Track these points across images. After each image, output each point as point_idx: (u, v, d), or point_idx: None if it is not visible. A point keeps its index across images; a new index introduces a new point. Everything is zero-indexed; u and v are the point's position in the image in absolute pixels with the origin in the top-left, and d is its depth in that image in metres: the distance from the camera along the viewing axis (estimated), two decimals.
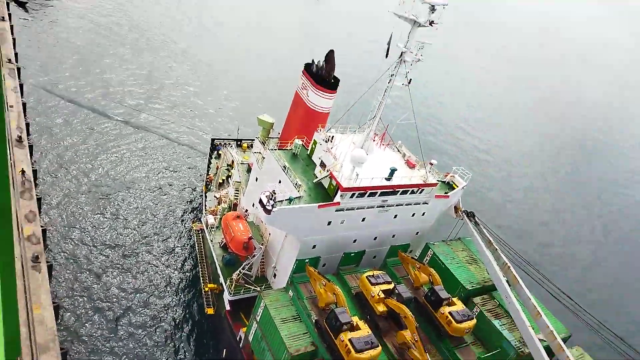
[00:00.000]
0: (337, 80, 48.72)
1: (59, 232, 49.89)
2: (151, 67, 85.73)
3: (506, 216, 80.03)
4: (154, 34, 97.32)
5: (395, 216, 43.56)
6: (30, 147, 52.79)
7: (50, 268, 41.44)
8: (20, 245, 42.74)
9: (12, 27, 72.55)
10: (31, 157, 51.68)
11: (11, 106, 56.61)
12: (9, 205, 43.84)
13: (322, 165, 40.63)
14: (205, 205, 53.05)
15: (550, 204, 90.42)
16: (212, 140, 62.04)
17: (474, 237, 41.77)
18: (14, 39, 69.38)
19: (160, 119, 73.12)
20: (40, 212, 46.83)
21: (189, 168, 65.58)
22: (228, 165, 57.33)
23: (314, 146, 43.22)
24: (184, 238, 54.45)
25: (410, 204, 43.58)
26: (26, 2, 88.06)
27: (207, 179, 56.94)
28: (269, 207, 35.37)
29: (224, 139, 62.84)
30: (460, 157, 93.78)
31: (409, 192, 42.06)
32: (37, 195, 47.42)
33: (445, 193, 45.21)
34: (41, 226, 44.73)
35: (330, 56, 48.22)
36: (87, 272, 46.73)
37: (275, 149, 43.74)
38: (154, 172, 62.45)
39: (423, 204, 44.35)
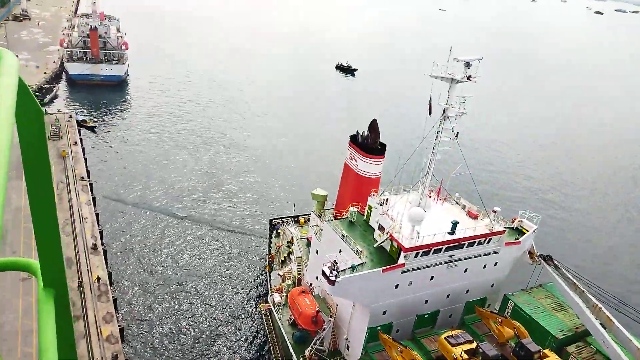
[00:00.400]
0: (383, 146, 49.57)
1: (135, 329, 51.17)
2: (208, 163, 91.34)
3: (586, 254, 74.27)
4: (208, 134, 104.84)
5: (466, 270, 41.58)
6: (105, 253, 56.64)
7: None
8: (99, 347, 44.38)
9: (83, 149, 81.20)
10: (106, 262, 55.26)
11: (85, 218, 61.75)
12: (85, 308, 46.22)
13: (381, 228, 40.21)
14: (270, 284, 53.19)
15: (632, 236, 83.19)
16: (270, 220, 63.57)
17: (556, 282, 38.76)
18: (85, 159, 77.32)
19: (219, 208, 76.27)
20: (117, 312, 49.01)
21: (251, 250, 66.83)
22: (288, 242, 58.01)
23: (369, 211, 43.17)
24: (252, 320, 54.21)
25: (480, 256, 41.66)
26: (95, 126, 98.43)
27: (269, 258, 57.58)
28: (333, 278, 34.94)
29: (281, 218, 64.21)
30: (524, 201, 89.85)
31: (476, 243, 40.41)
32: (112, 297, 50.01)
33: (516, 239, 42.97)
34: (118, 326, 46.58)
35: (374, 124, 49.55)
36: None
37: (332, 220, 44.04)
38: (218, 260, 64.06)
39: (493, 253, 42.25)
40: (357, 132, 50.45)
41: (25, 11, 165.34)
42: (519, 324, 36.39)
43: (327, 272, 35.15)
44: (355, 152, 49.64)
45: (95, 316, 47.19)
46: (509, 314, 40.04)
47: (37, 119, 2.95)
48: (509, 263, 43.69)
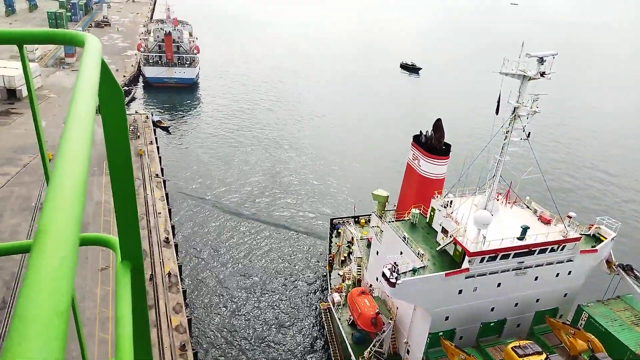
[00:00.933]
0: (448, 146, 48.23)
1: (202, 321, 53.55)
2: (272, 162, 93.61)
3: None
4: (273, 134, 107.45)
5: (536, 278, 39.49)
6: (176, 246, 59.80)
7: (195, 355, 44.47)
8: (169, 335, 46.90)
9: (158, 148, 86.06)
10: (176, 255, 58.34)
11: (159, 213, 65.46)
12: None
13: (444, 231, 39.15)
14: (330, 284, 53.54)
15: None
16: (331, 220, 63.92)
17: (635, 294, 35.94)
18: (159, 157, 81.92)
19: (282, 207, 77.90)
20: (185, 303, 51.58)
21: (312, 249, 67.64)
22: (348, 242, 58.08)
23: (432, 213, 42.16)
24: (312, 317, 54.91)
25: (552, 263, 39.40)
26: (169, 127, 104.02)
27: (329, 257, 57.98)
28: (393, 280, 34.51)
29: (342, 218, 64.39)
30: (603, 206, 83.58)
31: (548, 250, 38.26)
32: (182, 288, 52.68)
33: (593, 247, 40.18)
34: (187, 317, 48.97)
35: (438, 124, 48.34)
36: (225, 357, 48.85)
37: (393, 221, 43.51)
38: (280, 257, 65.48)
39: (567, 261, 39.79)
40: (421, 132, 49.44)
41: (106, 18, 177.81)
42: (593, 336, 33.96)
43: (388, 274, 34.79)
44: (418, 152, 48.68)
45: (166, 306, 49.81)
46: (582, 325, 37.50)
47: (118, 97, 3.16)
48: (584, 272, 40.94)
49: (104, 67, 2.79)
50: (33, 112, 3.30)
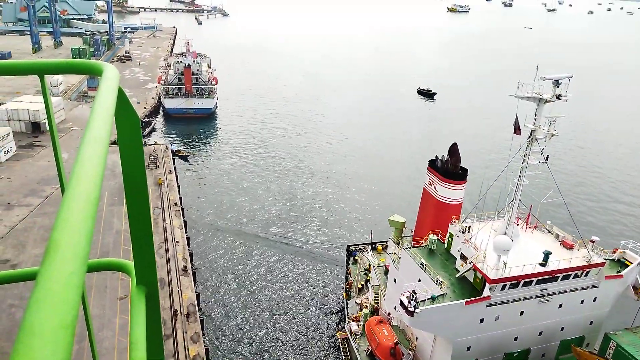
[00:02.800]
0: (464, 170, 47.79)
1: (220, 351, 52.96)
2: (289, 190, 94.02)
3: None
4: (290, 161, 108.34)
5: (560, 305, 38.21)
6: (194, 275, 59.83)
7: None
8: None
9: (177, 177, 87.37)
10: (194, 283, 58.31)
11: (177, 241, 65.91)
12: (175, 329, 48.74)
13: (463, 257, 38.36)
14: (347, 313, 52.61)
15: None
16: (348, 247, 63.36)
17: None
18: (178, 186, 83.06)
19: (299, 234, 77.70)
20: (203, 333, 51.19)
21: (329, 276, 66.92)
22: (365, 269, 57.29)
23: (450, 239, 41.46)
24: (331, 347, 53.77)
25: (576, 290, 38.14)
26: (187, 155, 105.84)
27: (346, 285, 57.15)
28: (411, 309, 33.75)
29: (358, 244, 63.78)
30: (627, 230, 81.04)
31: (572, 276, 37.07)
32: (200, 317, 52.39)
33: (618, 272, 38.83)
34: (205, 346, 48.51)
35: (454, 148, 48.07)
36: None
37: (410, 247, 42.89)
38: (298, 285, 64.89)
39: (592, 287, 38.48)
40: (437, 156, 49.18)
41: (128, 53, 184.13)
42: None
43: (406, 302, 34.06)
44: (434, 177, 48.29)
45: (183, 336, 49.50)
46: (610, 355, 35.87)
47: (134, 123, 3.27)
48: (610, 299, 39.46)
49: (121, 94, 2.91)
50: (53, 143, 3.38)
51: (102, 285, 52.47)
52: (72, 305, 1.28)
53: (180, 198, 79.02)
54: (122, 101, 3.02)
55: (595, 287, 38.44)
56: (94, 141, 1.86)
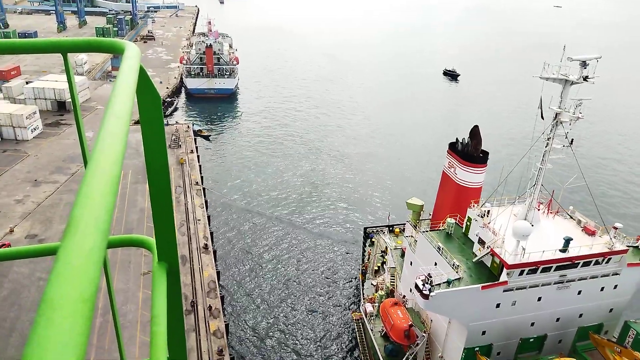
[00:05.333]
0: (485, 154, 46.95)
1: (238, 326, 54.25)
2: (308, 170, 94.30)
3: None
4: (310, 141, 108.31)
5: (580, 292, 37.69)
6: (214, 252, 61.03)
7: None
8: (207, 340, 47.77)
9: (198, 156, 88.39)
10: (215, 261, 59.53)
11: (199, 220, 67.06)
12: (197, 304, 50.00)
13: (481, 242, 38.00)
14: (363, 294, 53.03)
15: None
16: (365, 229, 63.48)
17: None
18: (200, 166, 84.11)
19: (316, 214, 78.14)
20: (223, 309, 52.44)
21: (346, 257, 67.39)
22: (382, 251, 57.41)
23: (468, 223, 41.06)
24: (345, 327, 54.53)
25: (597, 277, 37.50)
26: (209, 135, 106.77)
27: (362, 267, 57.50)
28: (426, 292, 33.75)
29: (376, 227, 63.83)
30: None
31: (592, 263, 36.43)
32: (220, 294, 53.58)
33: None
34: (224, 322, 49.73)
35: (475, 131, 47.18)
36: None
37: (428, 231, 42.69)
38: (314, 264, 65.61)
39: (613, 275, 37.78)
40: (457, 139, 48.40)
41: (151, 32, 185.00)
42: None
43: (421, 285, 34.08)
44: (454, 160, 47.61)
45: (204, 311, 50.72)
46: (629, 343, 35.39)
47: (155, 102, 3.31)
48: (631, 286, 38.73)
49: (142, 73, 2.96)
50: (77, 121, 3.44)
51: (126, 261, 54.01)
52: (92, 279, 1.31)
53: (202, 177, 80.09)
54: (144, 79, 3.06)
55: (617, 274, 37.73)
56: (115, 118, 1.89)
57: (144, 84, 3.12)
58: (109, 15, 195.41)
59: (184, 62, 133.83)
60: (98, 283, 1.33)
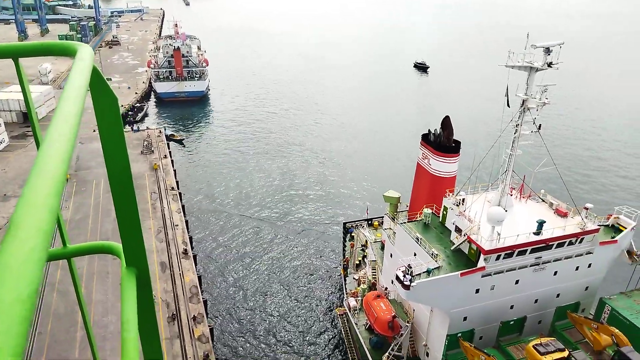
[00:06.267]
0: (458, 143, 47.65)
1: (225, 330, 53.78)
2: (284, 169, 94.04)
3: None
4: (284, 140, 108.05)
5: (555, 273, 38.65)
6: (195, 257, 60.28)
7: None
8: (192, 345, 47.19)
9: (172, 161, 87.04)
10: (195, 265, 58.80)
11: (176, 225, 66.10)
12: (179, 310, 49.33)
13: (458, 230, 38.59)
14: (346, 288, 53.26)
15: None
16: (344, 224, 63.76)
17: None
18: (174, 170, 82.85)
19: (295, 213, 78.06)
20: (207, 313, 51.87)
21: (327, 254, 67.57)
22: (362, 245, 57.76)
23: (444, 212, 41.64)
24: (330, 322, 54.73)
25: (571, 257, 38.55)
26: (182, 139, 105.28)
27: (343, 262, 57.75)
28: (407, 283, 34.09)
29: (354, 221, 64.16)
30: (621, 196, 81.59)
31: (566, 243, 37.43)
32: (203, 299, 52.98)
33: (612, 238, 39.21)
34: (209, 326, 49.19)
35: (446, 122, 47.78)
36: None
37: (405, 222, 43.11)
38: (296, 263, 65.58)
39: (587, 254, 38.90)
40: (429, 130, 48.97)
41: (116, 37, 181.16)
42: (617, 330, 33.03)
43: (401, 276, 34.40)
44: (427, 151, 48.17)
45: (187, 317, 50.07)
46: (605, 319, 36.53)
47: (111, 102, 3.21)
48: (605, 264, 39.93)
49: (96, 74, 2.87)
50: (33, 129, 3.31)
51: (104, 272, 52.92)
52: (30, 280, 1.28)
53: (177, 182, 78.95)
54: (98, 81, 2.99)
55: (590, 253, 38.84)
56: (64, 120, 1.85)
57: (98, 86, 3.04)
58: (71, 22, 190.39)
59: (152, 65, 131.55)
60: (38, 284, 1.31)
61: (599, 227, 38.58)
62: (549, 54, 36.87)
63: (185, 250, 60.05)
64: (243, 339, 52.54)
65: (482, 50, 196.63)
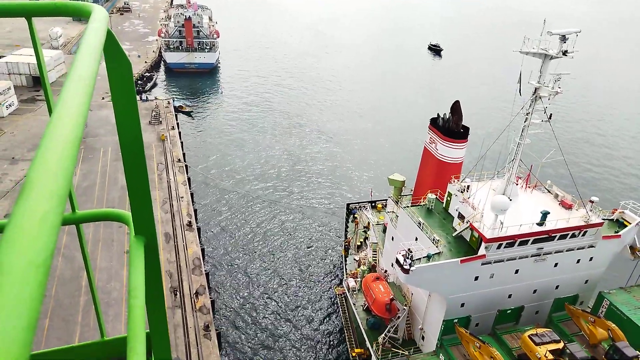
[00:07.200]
0: (466, 129, 47.15)
1: (226, 302, 54.72)
2: (292, 146, 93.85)
3: None
4: (293, 117, 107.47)
5: (556, 265, 38.67)
6: (199, 230, 60.87)
7: (218, 335, 45.58)
8: (193, 316, 48.11)
9: (180, 133, 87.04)
10: (199, 238, 59.44)
11: (182, 197, 66.52)
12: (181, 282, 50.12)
13: (460, 217, 38.52)
14: (346, 269, 53.73)
15: None
16: (347, 205, 63.88)
17: None
18: (181, 142, 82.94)
19: (300, 190, 78.24)
20: (209, 285, 52.67)
21: (329, 234, 67.96)
22: (364, 227, 57.97)
23: (448, 198, 41.52)
24: (329, 301, 55.47)
25: (573, 249, 38.47)
26: (191, 111, 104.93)
27: (345, 242, 58.11)
28: (406, 267, 34.27)
29: (358, 202, 64.27)
30: (627, 191, 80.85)
31: (569, 236, 37.28)
32: (205, 271, 53.72)
33: (616, 232, 39.03)
34: (210, 298, 50.03)
35: (456, 106, 47.20)
36: (246, 335, 50.03)
37: (409, 206, 43.08)
38: (298, 240, 66.11)
39: (589, 247, 38.80)
40: (438, 114, 48.44)
41: (127, 4, 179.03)
42: (614, 325, 33.18)
43: (401, 260, 34.57)
44: (435, 135, 47.75)
45: (189, 288, 50.86)
46: (603, 313, 36.66)
47: (125, 67, 3.16)
48: (606, 258, 39.86)
49: (111, 37, 2.83)
50: (44, 89, 3.29)
51: (109, 239, 53.64)
52: (45, 244, 1.25)
53: (184, 154, 79.14)
54: (112, 44, 2.93)
55: (592, 247, 38.74)
56: (78, 79, 1.81)
57: (113, 50, 2.98)
58: None
59: (162, 35, 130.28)
60: (53, 248, 1.28)
61: (603, 220, 38.35)
62: (565, 42, 36.01)
63: (190, 222, 60.57)
64: (243, 312, 53.47)
65: (497, 32, 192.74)
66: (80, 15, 2.66)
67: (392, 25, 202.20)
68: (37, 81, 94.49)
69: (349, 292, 47.99)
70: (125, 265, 50.75)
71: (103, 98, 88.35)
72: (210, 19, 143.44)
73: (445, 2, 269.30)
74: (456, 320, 37.08)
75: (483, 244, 35.30)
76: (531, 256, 37.45)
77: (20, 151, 71.21)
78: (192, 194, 68.24)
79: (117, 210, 3.90)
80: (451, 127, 46.38)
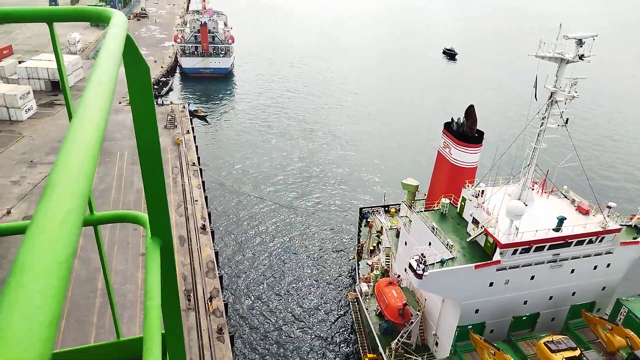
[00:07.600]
0: (481, 134, 46.79)
1: (239, 305, 54.94)
2: (305, 151, 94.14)
3: None
4: (307, 122, 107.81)
5: (573, 271, 38.08)
6: (212, 233, 61.29)
7: (232, 338, 45.78)
8: (207, 319, 48.40)
9: (194, 137, 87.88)
10: (213, 241, 59.84)
11: (196, 200, 67.11)
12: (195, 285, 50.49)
13: (475, 222, 38.18)
14: (359, 273, 53.54)
15: None
16: (360, 209, 63.78)
17: None
18: (196, 146, 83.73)
19: (313, 194, 78.33)
20: (222, 288, 52.95)
21: (342, 238, 67.87)
22: (377, 231, 57.76)
23: (462, 203, 41.19)
24: (341, 306, 55.33)
25: (590, 256, 37.84)
26: (206, 115, 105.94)
27: (358, 247, 57.95)
28: (420, 272, 34.05)
29: (371, 207, 64.10)
30: None
31: (586, 242, 36.70)
32: (219, 274, 54.04)
33: (634, 238, 38.31)
34: (223, 301, 50.28)
35: (470, 110, 46.85)
36: (259, 338, 50.15)
37: (422, 211, 42.84)
38: (311, 244, 66.14)
39: (606, 254, 38.15)
40: (452, 119, 48.17)
41: (144, 10, 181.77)
42: (633, 333, 32.50)
43: (414, 265, 34.36)
44: (449, 140, 47.43)
45: (203, 291, 51.17)
46: (621, 321, 35.96)
47: (143, 72, 3.22)
48: (624, 265, 39.14)
49: (130, 42, 2.87)
50: (65, 93, 3.34)
51: (125, 242, 54.25)
52: (68, 242, 1.28)
53: (199, 158, 79.87)
54: (131, 49, 2.98)
55: (610, 253, 38.08)
56: (99, 84, 1.85)
57: (131, 54, 3.03)
58: None
59: (179, 40, 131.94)
60: (75, 247, 1.31)
61: (620, 226, 37.71)
62: (581, 46, 35.63)
63: (204, 225, 61.00)
64: (256, 315, 53.64)
65: (506, 35, 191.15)
66: (100, 21, 2.70)
67: (407, 28, 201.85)
68: (56, 86, 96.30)
69: (361, 296, 47.83)
70: (140, 267, 51.25)
71: (120, 102, 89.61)
72: (225, 24, 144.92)
73: (450, 4, 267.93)
74: (470, 327, 36.69)
75: (498, 250, 34.93)
76: (547, 262, 36.95)
77: (39, 155, 72.56)
78: (206, 198, 68.78)
79: (134, 212, 3.96)
80: (465, 131, 46.06)
